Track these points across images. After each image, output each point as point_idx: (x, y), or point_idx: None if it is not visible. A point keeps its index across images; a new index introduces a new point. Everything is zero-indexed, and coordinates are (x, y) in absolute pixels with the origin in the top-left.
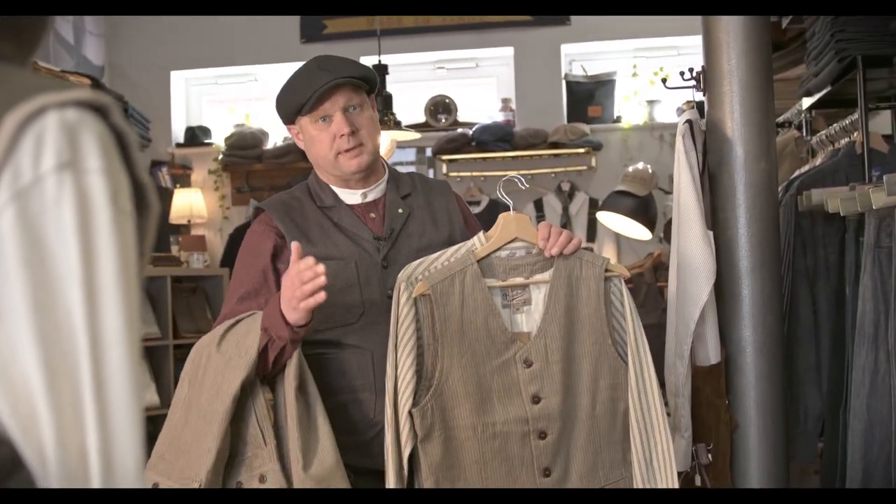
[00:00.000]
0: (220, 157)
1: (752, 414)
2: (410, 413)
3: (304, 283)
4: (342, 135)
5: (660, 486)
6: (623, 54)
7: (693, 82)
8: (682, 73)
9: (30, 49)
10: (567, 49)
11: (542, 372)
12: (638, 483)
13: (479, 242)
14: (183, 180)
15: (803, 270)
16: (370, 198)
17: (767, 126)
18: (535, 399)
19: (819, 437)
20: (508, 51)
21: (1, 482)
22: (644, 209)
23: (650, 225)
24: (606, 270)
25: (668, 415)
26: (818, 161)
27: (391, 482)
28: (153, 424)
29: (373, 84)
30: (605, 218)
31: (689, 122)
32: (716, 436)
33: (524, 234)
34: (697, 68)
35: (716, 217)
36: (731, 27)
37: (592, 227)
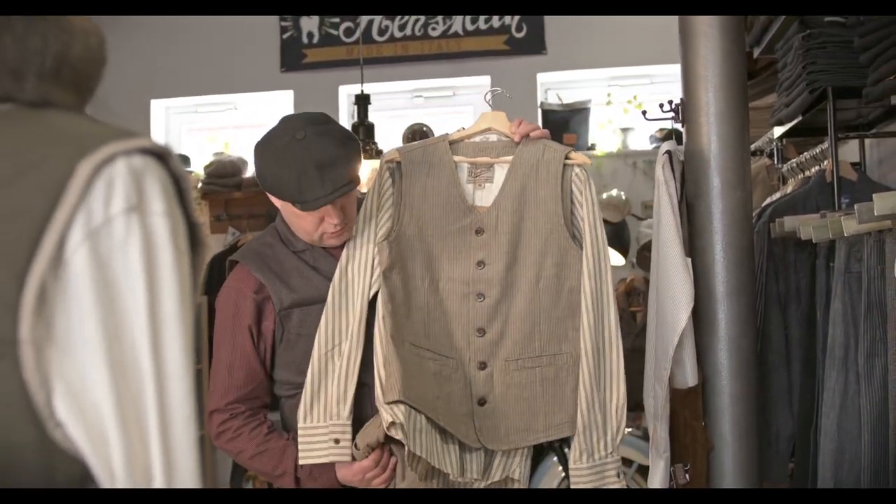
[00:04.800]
0: (200, 185)
1: (728, 435)
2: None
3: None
4: (332, 223)
5: (607, 361)
6: (597, 83)
7: (672, 114)
8: (661, 105)
9: (87, 96)
10: (543, 78)
11: (490, 241)
12: (583, 357)
13: (456, 132)
14: None
15: (775, 295)
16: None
17: (743, 156)
18: (480, 264)
19: (791, 457)
20: (485, 79)
21: None
22: (617, 235)
23: (623, 251)
24: (567, 158)
25: (648, 437)
26: (789, 189)
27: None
28: None
29: None
30: None
31: (668, 152)
32: (693, 456)
33: (498, 125)
34: (676, 100)
35: (693, 244)
36: (710, 61)
37: None
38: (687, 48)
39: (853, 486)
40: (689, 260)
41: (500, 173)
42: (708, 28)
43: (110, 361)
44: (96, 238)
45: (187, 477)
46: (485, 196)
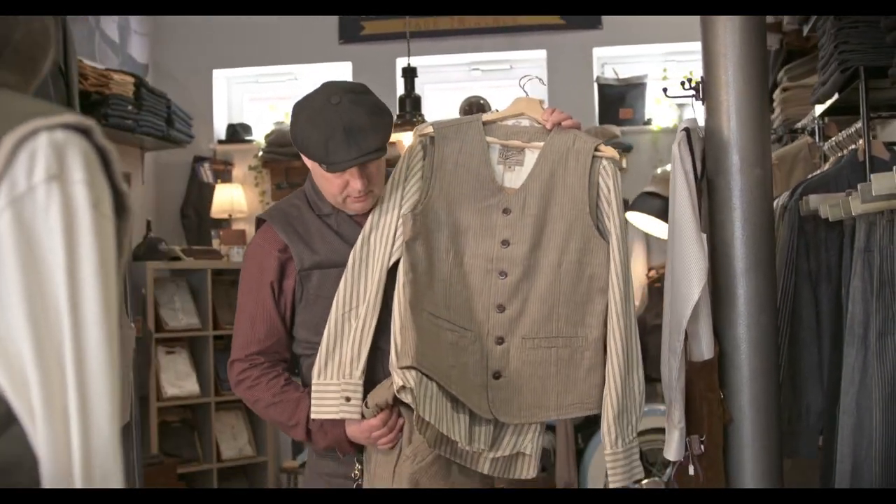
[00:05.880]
0: (261, 153)
1: (747, 409)
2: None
3: (379, 441)
4: (356, 188)
5: (632, 350)
6: (654, 58)
7: (692, 92)
8: (682, 83)
9: (32, 78)
10: (599, 52)
11: (516, 222)
12: (613, 347)
13: (489, 114)
14: (224, 176)
15: (806, 273)
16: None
17: (762, 134)
18: (505, 243)
19: (820, 433)
20: (541, 53)
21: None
22: None
23: None
24: (596, 150)
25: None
26: (827, 167)
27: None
28: (193, 412)
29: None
30: (634, 218)
31: (686, 129)
32: (708, 428)
33: (531, 111)
34: (697, 78)
35: (712, 220)
36: (729, 40)
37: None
38: (707, 28)
39: (870, 464)
40: (704, 235)
41: (531, 157)
42: None
43: (32, 314)
44: (20, 204)
45: (102, 421)
46: (514, 178)
